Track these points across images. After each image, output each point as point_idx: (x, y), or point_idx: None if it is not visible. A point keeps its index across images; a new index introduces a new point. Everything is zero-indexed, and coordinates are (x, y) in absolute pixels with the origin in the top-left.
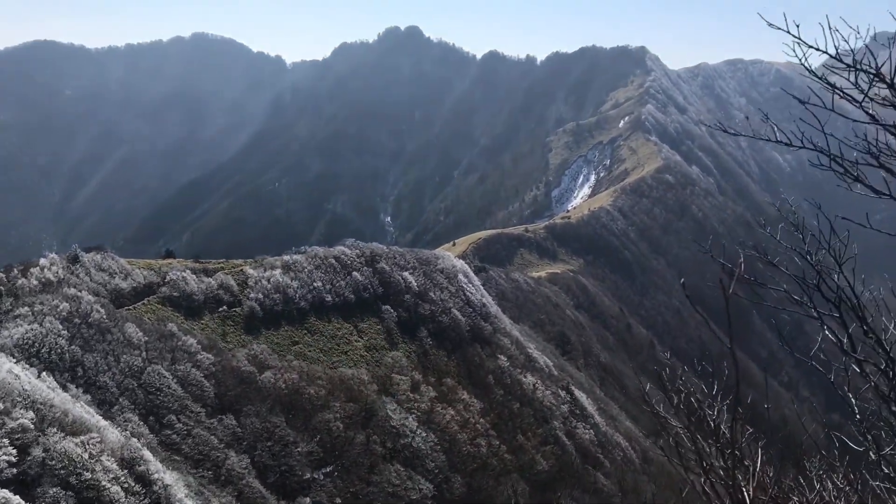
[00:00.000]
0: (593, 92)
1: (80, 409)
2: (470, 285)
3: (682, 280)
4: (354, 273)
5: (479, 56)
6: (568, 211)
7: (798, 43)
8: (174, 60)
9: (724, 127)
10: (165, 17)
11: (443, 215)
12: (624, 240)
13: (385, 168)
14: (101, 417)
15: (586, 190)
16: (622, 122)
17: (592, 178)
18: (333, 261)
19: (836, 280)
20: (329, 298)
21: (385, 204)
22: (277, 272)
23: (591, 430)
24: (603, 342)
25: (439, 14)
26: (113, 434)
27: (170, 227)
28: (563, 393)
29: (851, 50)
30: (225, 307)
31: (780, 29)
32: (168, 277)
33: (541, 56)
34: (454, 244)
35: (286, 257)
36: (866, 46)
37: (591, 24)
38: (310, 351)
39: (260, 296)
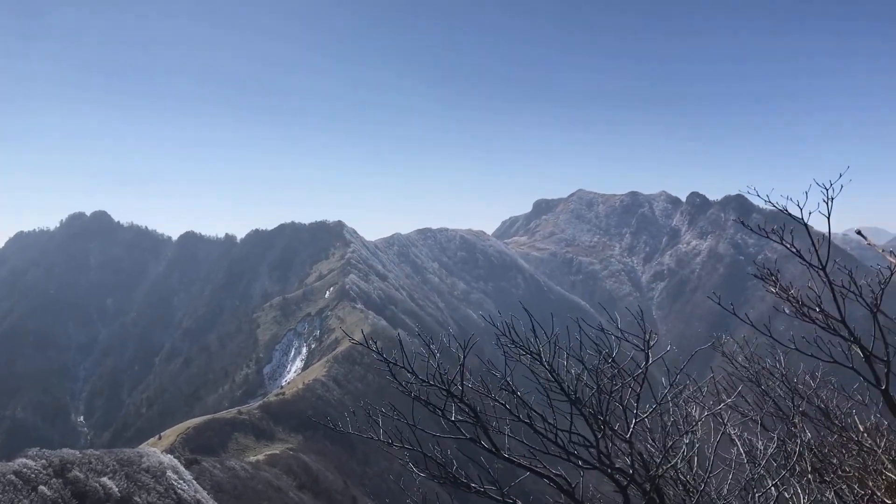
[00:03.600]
0: (297, 265)
1: None
2: (181, 482)
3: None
4: (41, 487)
5: (175, 237)
6: (282, 387)
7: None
8: None
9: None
10: None
11: (145, 407)
12: (341, 409)
13: (74, 363)
14: None
15: (299, 363)
16: (328, 292)
17: (304, 350)
18: (14, 477)
19: None
20: None
21: (76, 402)
22: None
23: None
24: None
25: (129, 197)
26: None
27: None
28: None
29: (507, 332)
30: None
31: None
32: None
33: (240, 234)
34: (160, 437)
35: None
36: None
37: (288, 201)
38: None
39: None
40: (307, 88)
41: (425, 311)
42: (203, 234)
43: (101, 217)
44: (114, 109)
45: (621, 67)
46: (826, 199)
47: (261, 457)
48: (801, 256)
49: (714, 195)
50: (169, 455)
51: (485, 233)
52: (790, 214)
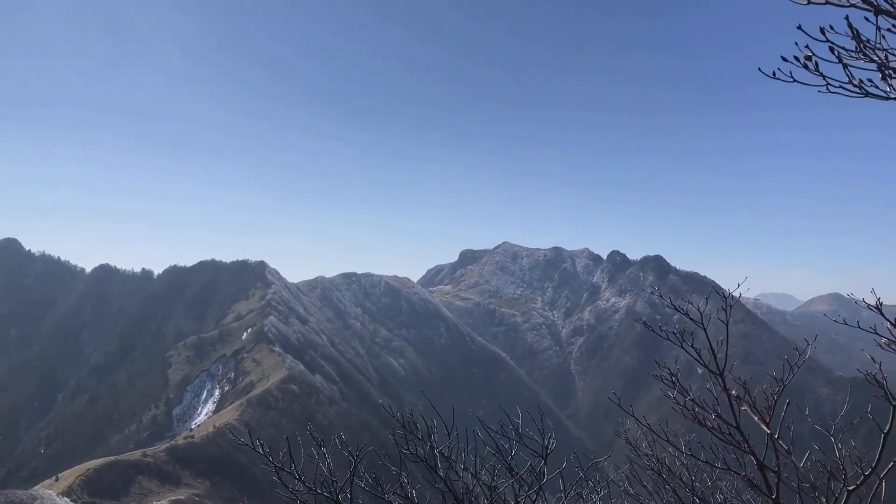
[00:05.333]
0: (215, 305)
1: None
2: None
3: None
4: None
5: (88, 269)
6: (191, 430)
7: None
8: None
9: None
10: None
11: (43, 446)
12: (252, 455)
13: None
14: None
15: (211, 406)
16: (245, 333)
17: (217, 392)
18: None
19: None
20: None
21: None
22: None
23: None
24: None
25: (43, 225)
26: None
27: None
28: None
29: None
30: None
31: None
32: None
33: (158, 269)
34: (57, 479)
35: None
36: None
37: (211, 240)
38: None
39: None
40: (235, 128)
41: (345, 356)
42: (119, 267)
43: (11, 245)
44: (29, 138)
45: (545, 125)
46: (725, 307)
47: (164, 502)
48: (701, 361)
49: (634, 255)
50: (66, 498)
51: (410, 280)
52: (688, 318)
